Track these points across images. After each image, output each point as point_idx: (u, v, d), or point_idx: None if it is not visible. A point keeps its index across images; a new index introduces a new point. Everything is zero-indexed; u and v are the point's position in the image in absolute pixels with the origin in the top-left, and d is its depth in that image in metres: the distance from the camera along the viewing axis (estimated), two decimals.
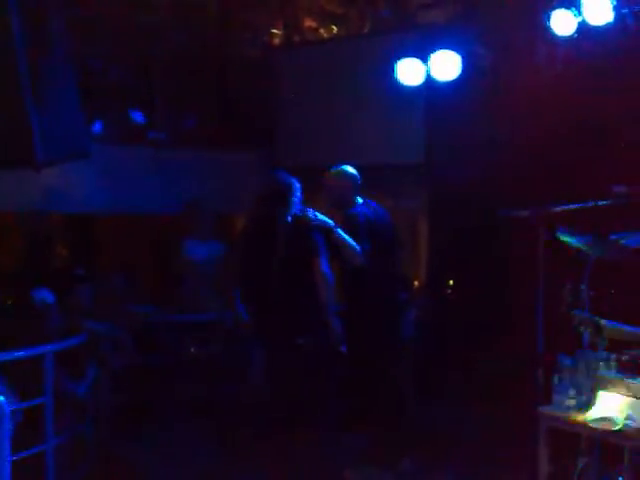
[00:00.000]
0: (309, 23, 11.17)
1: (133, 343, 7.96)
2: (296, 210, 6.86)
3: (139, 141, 10.41)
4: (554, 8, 7.37)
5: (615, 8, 7.08)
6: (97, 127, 9.99)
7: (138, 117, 10.63)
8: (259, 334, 6.97)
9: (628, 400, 4.95)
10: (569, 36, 7.43)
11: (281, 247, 6.71)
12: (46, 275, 8.21)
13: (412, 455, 7.23)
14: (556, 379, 5.32)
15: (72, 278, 8.28)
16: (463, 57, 8.22)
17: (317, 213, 6.92)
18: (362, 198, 7.48)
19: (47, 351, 6.51)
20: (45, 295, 7.13)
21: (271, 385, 7.01)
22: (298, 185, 6.94)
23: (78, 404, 7.06)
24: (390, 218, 7.59)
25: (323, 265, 6.76)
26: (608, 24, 7.16)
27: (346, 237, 7.02)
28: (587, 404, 5.11)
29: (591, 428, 4.99)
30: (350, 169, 7.44)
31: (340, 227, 7.02)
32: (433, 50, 8.24)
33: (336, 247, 7.05)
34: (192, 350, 8.05)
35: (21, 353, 6.40)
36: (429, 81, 8.41)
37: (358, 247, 7.03)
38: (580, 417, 5.09)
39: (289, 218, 6.81)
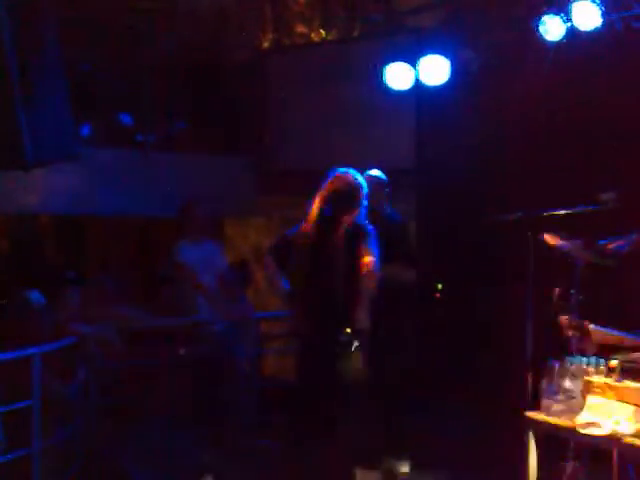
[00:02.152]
0: (299, 27, 11.17)
1: (122, 345, 7.94)
2: (362, 216, 6.31)
3: (128, 143, 10.40)
4: (543, 13, 7.41)
5: (603, 14, 7.12)
6: (86, 129, 9.97)
7: (127, 119, 10.61)
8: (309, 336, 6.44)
9: (616, 405, 4.97)
10: (558, 41, 7.47)
11: (342, 260, 6.19)
12: (35, 277, 8.19)
13: (401, 458, 7.24)
14: (544, 383, 5.34)
15: (62, 280, 8.25)
16: (452, 61, 8.25)
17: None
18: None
19: (34, 353, 6.48)
20: (37, 296, 7.12)
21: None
22: (367, 188, 6.39)
23: (67, 406, 7.04)
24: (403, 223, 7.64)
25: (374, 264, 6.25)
26: (596, 29, 7.19)
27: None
28: (575, 409, 5.12)
29: (579, 433, 5.00)
30: (377, 173, 7.39)
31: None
32: (422, 54, 8.27)
33: None
34: (181, 352, 8.03)
35: (8, 355, 6.37)
36: (418, 85, 8.44)
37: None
38: (568, 422, 5.10)
39: (353, 226, 6.25)
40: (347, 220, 6.22)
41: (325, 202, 6.26)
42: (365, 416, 6.42)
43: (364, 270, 6.11)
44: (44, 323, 7.08)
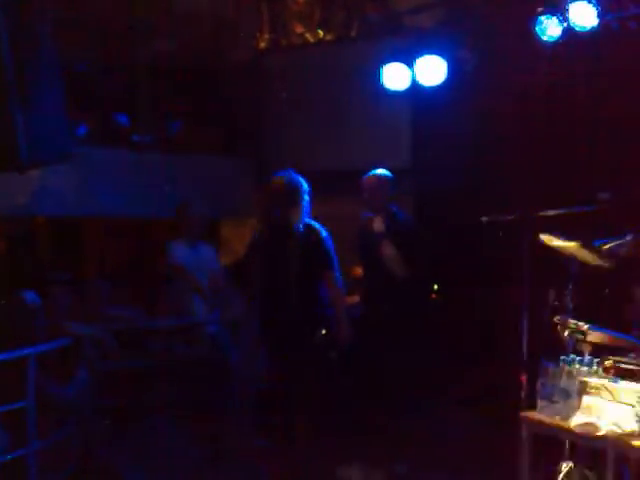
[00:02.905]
0: (297, 27, 11.16)
1: (118, 346, 7.93)
2: (306, 215, 6.71)
3: (124, 144, 10.38)
4: (540, 14, 7.40)
5: (600, 14, 7.11)
6: (82, 130, 9.95)
7: (123, 120, 10.59)
8: (268, 341, 6.92)
9: (612, 405, 4.96)
10: (555, 41, 7.46)
11: (296, 260, 6.56)
12: (28, 278, 8.18)
13: (398, 458, 7.24)
14: (540, 384, 5.33)
15: (54, 281, 8.24)
16: (449, 62, 8.24)
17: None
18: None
19: (29, 354, 6.46)
20: (33, 297, 7.11)
21: (274, 388, 6.94)
22: (307, 186, 6.80)
23: (62, 407, 7.02)
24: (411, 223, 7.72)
25: (337, 279, 6.70)
26: (593, 30, 7.18)
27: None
28: (571, 409, 5.12)
29: (575, 433, 4.99)
30: (385, 172, 7.65)
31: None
32: (419, 55, 8.27)
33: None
34: (177, 353, 8.02)
35: (3, 356, 6.35)
36: (415, 86, 8.43)
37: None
38: (564, 422, 5.10)
39: (301, 226, 6.67)
40: (293, 219, 6.59)
41: (270, 203, 6.75)
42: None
43: (332, 292, 6.61)
44: (39, 324, 7.07)
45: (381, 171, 7.65)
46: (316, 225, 6.74)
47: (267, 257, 6.69)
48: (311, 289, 6.64)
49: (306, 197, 6.71)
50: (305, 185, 6.76)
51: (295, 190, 6.70)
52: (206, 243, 8.58)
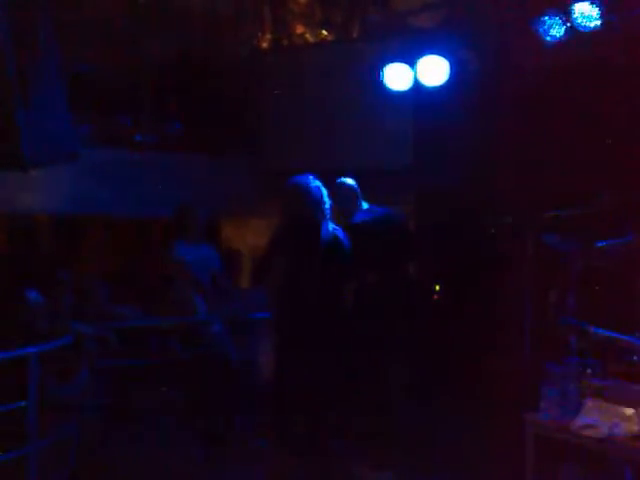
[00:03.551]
0: (298, 27, 11.17)
1: (119, 345, 7.93)
2: (328, 220, 6.81)
3: (126, 144, 10.38)
4: (542, 14, 7.40)
5: (602, 14, 7.11)
6: (84, 130, 9.95)
7: (125, 120, 10.59)
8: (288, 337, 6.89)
9: (614, 408, 4.96)
10: (557, 41, 7.46)
11: (318, 264, 6.68)
12: (29, 276, 8.17)
13: (398, 459, 7.23)
14: (543, 385, 5.33)
15: (56, 280, 8.24)
16: (451, 62, 8.24)
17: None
18: (367, 204, 7.71)
19: (31, 353, 6.46)
20: (36, 296, 7.11)
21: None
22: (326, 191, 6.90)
23: (63, 406, 7.03)
24: (398, 221, 7.73)
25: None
26: (596, 30, 7.18)
27: None
28: (573, 411, 5.12)
29: (577, 435, 4.99)
30: (349, 180, 7.69)
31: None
32: (421, 55, 8.26)
33: None
34: (179, 352, 8.02)
35: (4, 355, 6.35)
36: (417, 86, 8.43)
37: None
38: (567, 424, 5.10)
39: (327, 231, 6.78)
40: (319, 219, 6.69)
41: (295, 204, 6.79)
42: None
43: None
44: (41, 322, 7.08)
45: (345, 180, 7.71)
46: (336, 226, 6.89)
47: (291, 255, 6.76)
48: (334, 286, 6.76)
49: (328, 200, 6.85)
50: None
51: (319, 193, 6.81)
52: (208, 243, 8.56)
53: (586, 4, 7.11)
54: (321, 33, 11.03)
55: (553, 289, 5.71)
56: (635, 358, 5.22)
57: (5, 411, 6.27)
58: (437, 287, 9.26)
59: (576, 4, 7.15)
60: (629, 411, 4.87)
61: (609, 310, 6.02)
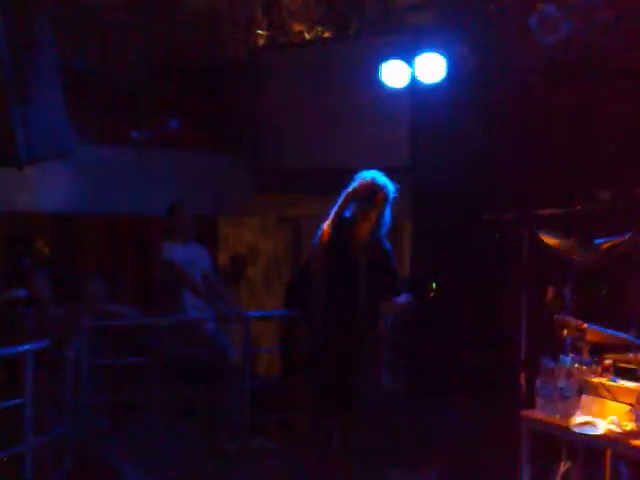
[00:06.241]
0: (295, 25, 11.16)
1: (114, 343, 7.92)
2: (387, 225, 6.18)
3: (122, 141, 10.36)
4: (540, 11, 7.39)
5: (600, 13, 7.11)
6: (81, 127, 9.93)
7: (122, 117, 10.58)
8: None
9: (611, 404, 4.96)
10: (555, 38, 7.45)
11: (364, 277, 6.10)
12: (26, 275, 8.17)
13: (395, 456, 7.23)
14: (539, 383, 5.31)
15: (53, 279, 8.23)
16: (448, 59, 8.23)
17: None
18: None
19: (26, 351, 6.45)
20: (24, 292, 7.10)
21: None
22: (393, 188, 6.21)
23: (59, 404, 7.02)
24: None
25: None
26: (593, 28, 7.18)
27: None
28: (570, 408, 5.11)
29: (574, 432, 4.98)
30: None
31: None
32: (419, 52, 8.26)
33: None
34: (173, 351, 8.01)
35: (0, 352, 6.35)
36: (414, 83, 8.42)
37: None
38: (563, 421, 5.09)
39: (376, 237, 6.15)
40: (365, 227, 6.08)
41: (345, 203, 6.14)
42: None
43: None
44: (38, 320, 7.07)
45: None
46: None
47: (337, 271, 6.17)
48: (377, 300, 6.21)
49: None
50: None
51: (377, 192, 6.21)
52: (197, 242, 8.52)
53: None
54: (318, 30, 11.02)
55: (550, 286, 5.70)
56: (631, 354, 5.21)
57: (1, 409, 6.27)
58: (434, 285, 9.24)
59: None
60: (626, 408, 4.87)
61: (606, 307, 6.02)
